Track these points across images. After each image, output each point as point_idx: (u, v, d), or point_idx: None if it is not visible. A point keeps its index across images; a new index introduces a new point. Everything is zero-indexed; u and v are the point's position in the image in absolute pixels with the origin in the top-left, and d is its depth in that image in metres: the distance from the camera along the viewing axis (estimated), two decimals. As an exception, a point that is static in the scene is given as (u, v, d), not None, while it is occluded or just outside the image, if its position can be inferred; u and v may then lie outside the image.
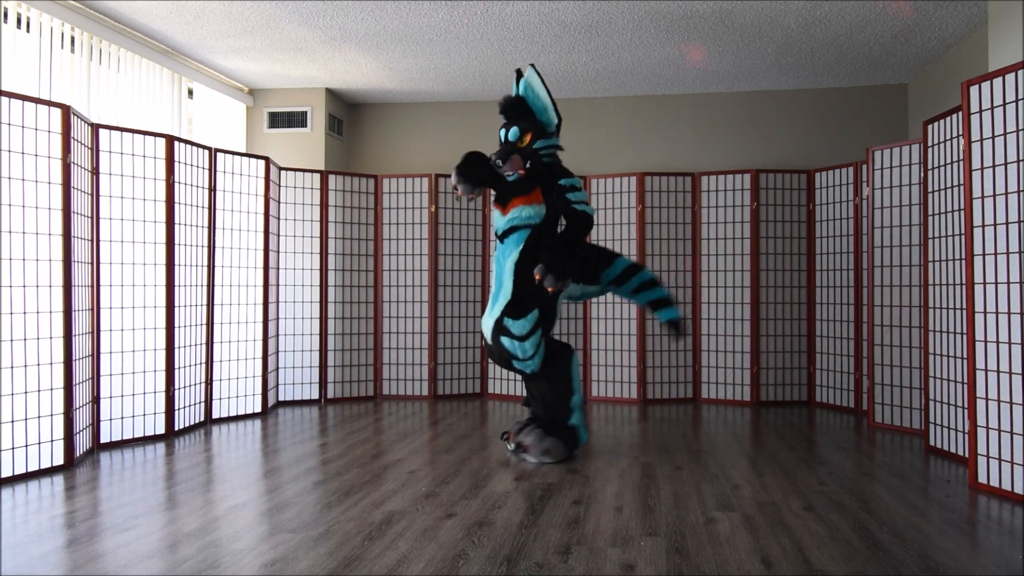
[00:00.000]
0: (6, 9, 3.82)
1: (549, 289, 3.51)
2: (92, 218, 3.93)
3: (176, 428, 4.36)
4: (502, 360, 3.72)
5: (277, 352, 5.39)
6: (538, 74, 3.79)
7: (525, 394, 4.05)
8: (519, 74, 3.85)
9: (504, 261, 3.73)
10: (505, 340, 3.64)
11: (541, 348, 3.68)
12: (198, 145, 4.57)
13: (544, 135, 3.75)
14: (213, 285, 4.70)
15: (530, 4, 4.33)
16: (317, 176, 5.61)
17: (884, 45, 5.01)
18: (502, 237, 3.75)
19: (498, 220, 3.77)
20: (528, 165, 3.70)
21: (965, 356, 3.59)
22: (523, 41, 4.95)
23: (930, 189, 3.94)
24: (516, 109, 3.78)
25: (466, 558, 2.36)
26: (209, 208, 4.67)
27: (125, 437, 4.09)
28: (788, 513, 2.85)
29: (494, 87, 6.02)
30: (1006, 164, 3.11)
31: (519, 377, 5.67)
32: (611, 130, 6.26)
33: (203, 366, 4.64)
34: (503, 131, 3.78)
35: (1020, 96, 3.06)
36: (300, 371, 5.51)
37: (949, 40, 4.91)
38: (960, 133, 3.62)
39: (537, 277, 3.51)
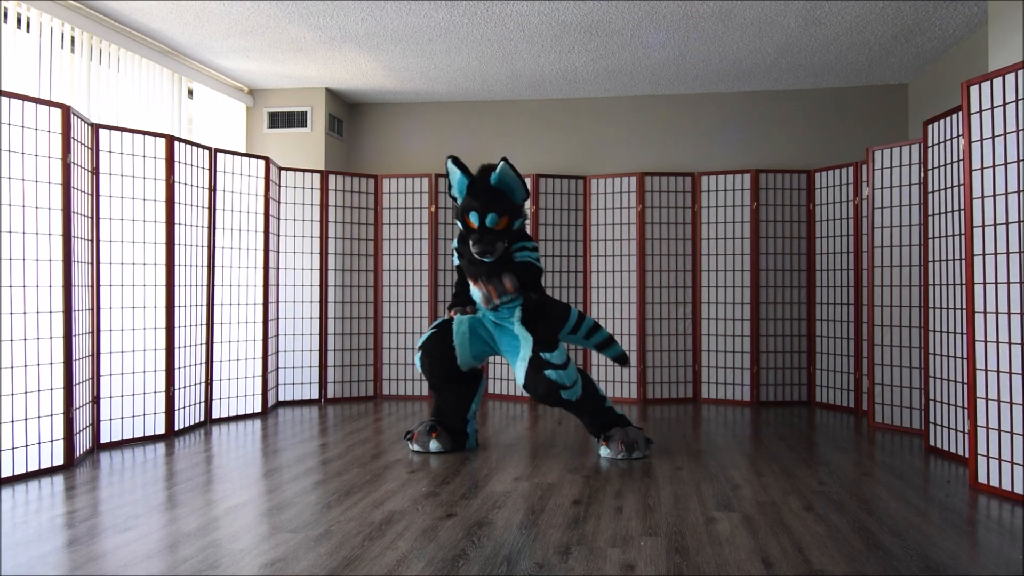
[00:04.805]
0: (6, 9, 3.82)
1: (495, 295, 3.72)
2: (92, 218, 3.93)
3: (176, 428, 4.36)
4: (550, 396, 3.69)
5: (277, 352, 5.39)
6: (510, 166, 3.75)
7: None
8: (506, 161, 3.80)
9: (504, 332, 3.88)
10: (551, 373, 3.65)
11: (577, 375, 3.78)
12: (198, 145, 4.57)
13: (518, 214, 3.82)
14: (213, 285, 4.70)
15: (530, 4, 4.33)
16: (317, 176, 5.61)
17: (884, 45, 5.01)
18: (494, 308, 3.86)
19: (486, 296, 3.81)
20: (507, 245, 3.78)
21: (965, 356, 3.59)
22: (523, 41, 4.95)
23: (930, 189, 3.94)
24: (490, 192, 3.75)
25: (466, 558, 2.36)
26: (209, 208, 4.67)
27: (125, 437, 4.09)
28: (788, 513, 2.85)
29: (494, 87, 6.02)
30: (1006, 164, 3.11)
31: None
32: (611, 130, 6.26)
33: (203, 366, 4.64)
34: (475, 214, 3.70)
35: (1020, 96, 3.06)
36: (300, 371, 5.51)
37: (949, 40, 4.91)
38: (960, 133, 3.62)
39: (508, 287, 3.66)
